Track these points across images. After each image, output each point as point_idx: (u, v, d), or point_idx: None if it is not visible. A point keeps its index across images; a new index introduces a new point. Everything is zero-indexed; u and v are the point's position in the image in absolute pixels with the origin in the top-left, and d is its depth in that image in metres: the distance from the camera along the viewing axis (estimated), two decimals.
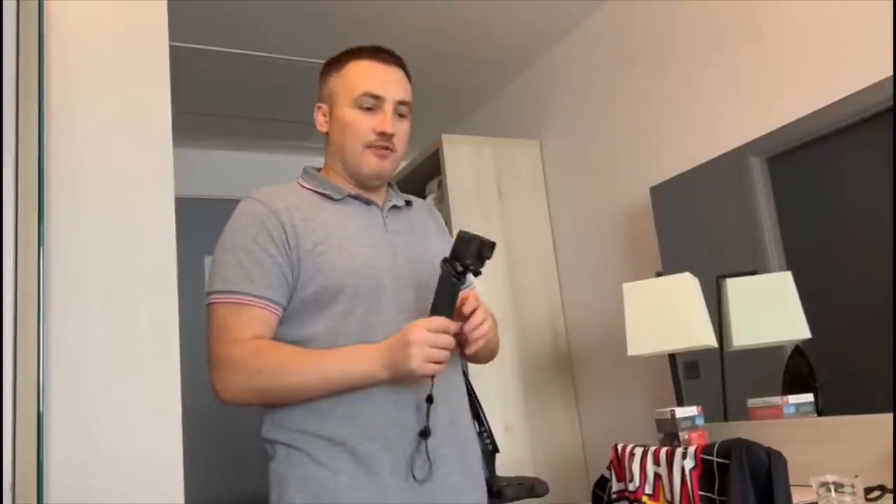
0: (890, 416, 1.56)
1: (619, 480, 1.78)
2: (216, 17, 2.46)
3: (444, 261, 1.24)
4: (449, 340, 1.21)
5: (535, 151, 2.99)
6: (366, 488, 1.23)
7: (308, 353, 1.26)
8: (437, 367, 1.20)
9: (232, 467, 3.11)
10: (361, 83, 1.35)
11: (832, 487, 1.33)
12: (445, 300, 1.24)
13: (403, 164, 3.29)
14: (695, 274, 1.91)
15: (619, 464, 1.78)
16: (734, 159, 2.05)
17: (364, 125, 1.35)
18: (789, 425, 1.77)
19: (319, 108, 1.44)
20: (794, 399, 1.80)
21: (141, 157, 1.51)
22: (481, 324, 1.28)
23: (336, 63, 1.41)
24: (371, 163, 1.36)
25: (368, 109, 1.35)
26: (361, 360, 1.23)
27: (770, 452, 1.47)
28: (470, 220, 2.77)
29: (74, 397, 1.34)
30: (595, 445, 2.68)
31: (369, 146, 1.35)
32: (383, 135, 1.35)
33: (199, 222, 3.14)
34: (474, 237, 1.23)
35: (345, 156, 1.38)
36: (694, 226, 2.20)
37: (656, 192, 2.31)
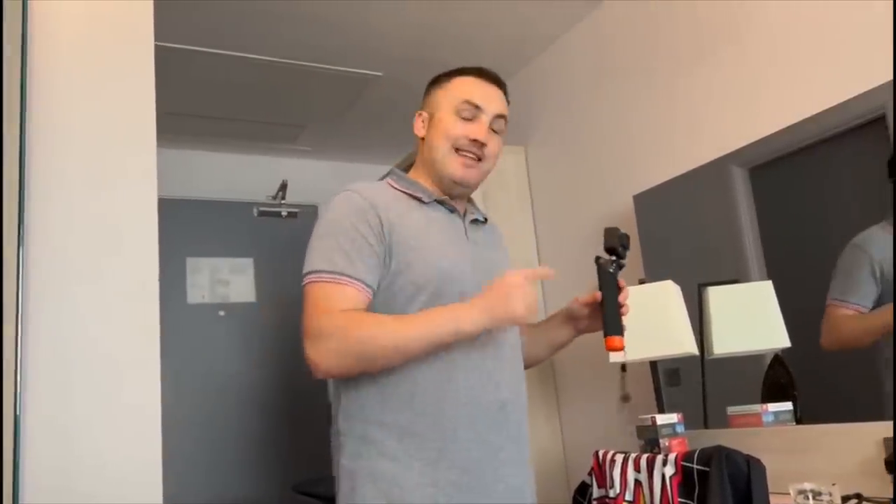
0: (868, 424, 1.58)
1: (599, 487, 1.78)
2: (202, 18, 2.45)
3: (599, 258, 1.40)
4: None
5: (520, 158, 3.00)
6: (433, 484, 1.27)
7: (403, 315, 1.32)
8: (532, 314, 1.28)
9: (211, 470, 3.09)
10: (464, 93, 1.44)
11: (810, 495, 1.34)
12: (611, 291, 1.38)
13: (391, 166, 3.29)
14: (677, 282, 1.93)
15: (600, 470, 1.79)
16: (717, 169, 2.07)
17: (459, 129, 1.42)
18: (768, 433, 1.78)
19: (419, 115, 1.51)
20: (773, 407, 1.82)
21: (124, 157, 1.50)
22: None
23: (443, 78, 1.50)
24: (456, 168, 1.43)
25: (466, 119, 1.43)
26: (457, 309, 1.28)
27: (749, 460, 1.48)
28: None
29: (53, 400, 1.33)
30: (576, 451, 2.68)
31: (458, 150, 1.42)
32: (476, 142, 1.42)
33: (183, 224, 3.13)
34: (616, 229, 1.41)
35: (434, 156, 1.44)
36: (676, 234, 2.22)
37: (640, 199, 2.33)
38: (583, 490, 1.85)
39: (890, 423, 1.54)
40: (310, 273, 1.34)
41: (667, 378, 2.18)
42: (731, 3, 2.10)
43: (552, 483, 2.68)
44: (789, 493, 1.37)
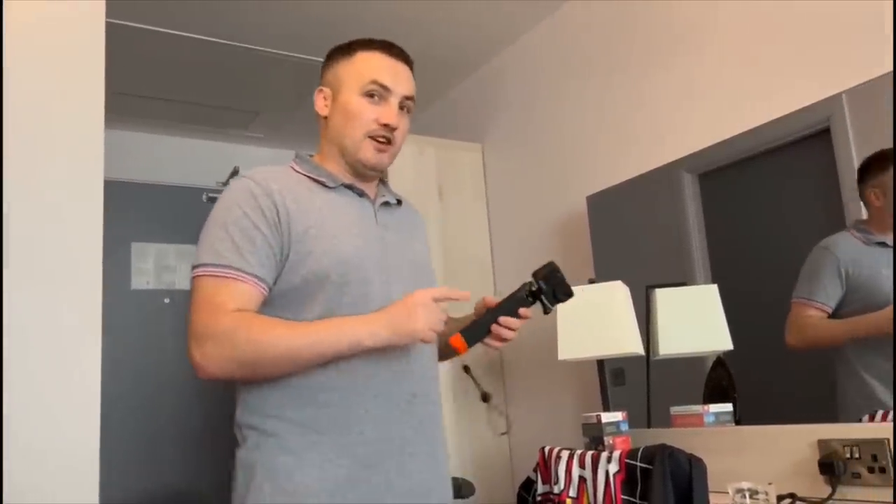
0: (803, 426, 1.63)
1: (544, 483, 1.80)
2: None
3: (535, 277, 1.31)
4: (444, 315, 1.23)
5: (477, 155, 3.01)
6: (332, 479, 1.21)
7: (297, 323, 1.24)
8: (434, 334, 1.22)
9: (150, 460, 3.02)
10: (372, 72, 1.35)
11: (747, 494, 1.38)
12: (502, 308, 1.29)
13: None
14: (626, 283, 1.96)
15: (545, 466, 1.81)
16: (667, 174, 2.11)
17: (368, 114, 1.34)
18: (709, 433, 1.83)
19: (321, 91, 1.41)
20: (714, 408, 1.86)
21: (70, 136, 1.45)
22: (511, 332, 1.31)
23: (346, 49, 1.40)
24: (369, 154, 1.35)
25: (374, 99, 1.35)
26: (356, 322, 1.23)
27: (691, 459, 1.51)
28: None
29: None
30: (522, 447, 2.71)
31: (370, 136, 1.35)
32: (386, 126, 1.34)
33: (129, 207, 3.04)
34: (553, 266, 1.32)
35: (344, 142, 1.36)
36: (627, 236, 2.25)
37: (593, 201, 2.36)
38: (527, 486, 1.87)
39: (824, 426, 1.60)
40: (197, 266, 1.26)
41: (612, 377, 2.21)
42: (689, 12, 2.14)
43: (497, 478, 2.70)
44: (728, 492, 1.41)
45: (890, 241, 1.59)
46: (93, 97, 1.48)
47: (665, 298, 2.03)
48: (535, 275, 1.32)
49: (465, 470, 2.62)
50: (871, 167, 1.61)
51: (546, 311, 1.32)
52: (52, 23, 1.46)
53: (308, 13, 2.53)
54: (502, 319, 1.30)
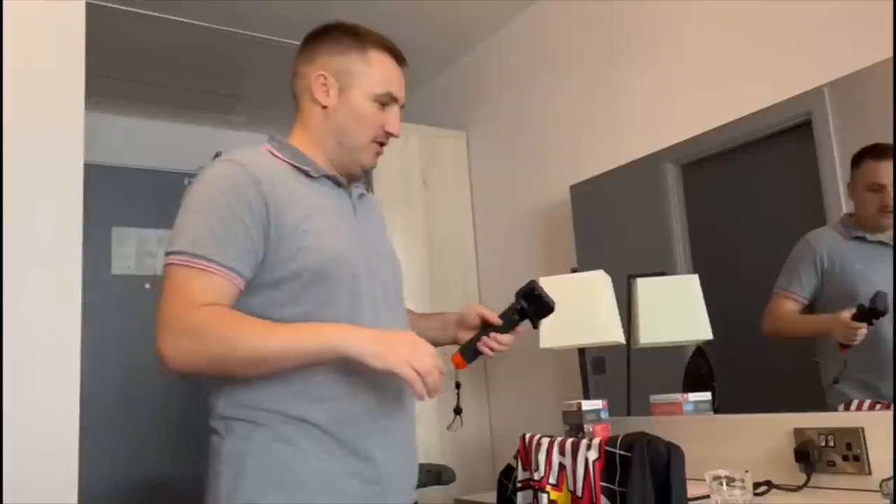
0: (779, 415, 1.66)
1: (524, 469, 1.81)
2: None
3: (518, 297, 1.39)
4: (436, 380, 1.17)
5: (461, 143, 3.01)
6: (331, 471, 1.20)
7: (270, 323, 1.19)
8: (413, 376, 1.14)
9: (130, 448, 3.00)
10: (388, 82, 1.36)
11: (724, 481, 1.40)
12: (499, 327, 1.39)
13: None
14: (607, 272, 1.97)
15: (525, 453, 1.82)
16: (650, 164, 2.12)
17: (378, 120, 1.35)
18: (688, 422, 1.85)
19: (323, 77, 1.34)
20: (693, 397, 1.88)
21: (49, 118, 1.43)
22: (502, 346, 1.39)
23: (356, 42, 1.36)
24: (371, 160, 1.38)
25: (382, 106, 1.36)
26: (340, 328, 1.18)
27: (669, 447, 1.53)
28: (395, 207, 2.76)
29: None
30: (503, 435, 2.72)
31: (375, 141, 1.37)
32: (390, 135, 1.37)
33: (110, 191, 3.01)
34: (540, 288, 1.38)
35: (346, 140, 1.35)
36: (609, 225, 2.27)
37: (576, 190, 2.37)
38: (508, 473, 1.87)
39: (800, 415, 1.63)
40: (174, 253, 1.19)
41: (593, 366, 2.23)
42: (672, 3, 2.14)
43: (477, 465, 2.72)
44: (705, 479, 1.43)
45: (870, 237, 1.61)
46: (73, 79, 1.45)
47: (646, 288, 2.05)
48: (517, 294, 1.39)
49: (446, 457, 2.63)
50: (860, 161, 1.62)
51: (535, 326, 1.42)
52: (31, 4, 1.44)
53: None
54: (500, 337, 1.39)
